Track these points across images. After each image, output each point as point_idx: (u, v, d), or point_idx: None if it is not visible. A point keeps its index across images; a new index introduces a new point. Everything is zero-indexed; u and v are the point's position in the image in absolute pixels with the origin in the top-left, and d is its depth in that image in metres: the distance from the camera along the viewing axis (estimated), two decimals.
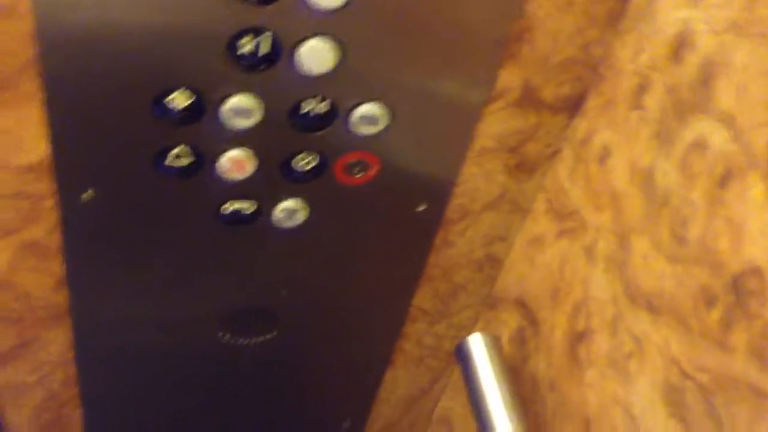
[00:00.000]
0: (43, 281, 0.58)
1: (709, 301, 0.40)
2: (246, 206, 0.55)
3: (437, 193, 0.59)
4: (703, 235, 0.41)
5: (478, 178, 0.58)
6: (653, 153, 0.45)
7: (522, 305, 0.63)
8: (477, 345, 0.56)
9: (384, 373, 0.78)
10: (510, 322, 0.65)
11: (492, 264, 0.67)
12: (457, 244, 0.64)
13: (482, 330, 0.70)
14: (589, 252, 0.52)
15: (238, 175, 0.53)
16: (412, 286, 0.67)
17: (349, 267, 0.64)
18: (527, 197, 0.60)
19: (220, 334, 0.67)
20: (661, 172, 0.44)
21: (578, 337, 0.54)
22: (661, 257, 0.44)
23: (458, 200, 0.60)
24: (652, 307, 0.45)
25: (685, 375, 0.42)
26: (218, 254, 0.60)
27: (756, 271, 0.37)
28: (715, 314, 0.40)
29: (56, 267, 0.57)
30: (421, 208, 0.59)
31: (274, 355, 0.71)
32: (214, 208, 0.55)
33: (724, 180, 0.39)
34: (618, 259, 0.49)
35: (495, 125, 0.54)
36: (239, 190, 0.54)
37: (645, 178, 0.46)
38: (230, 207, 0.55)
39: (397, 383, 0.80)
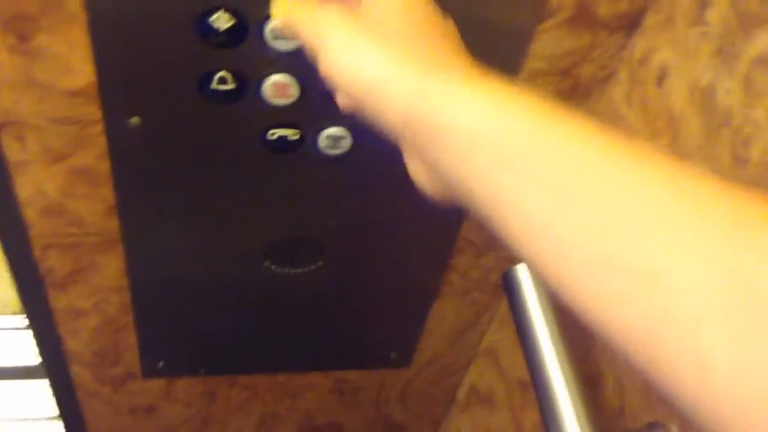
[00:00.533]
0: (96, 207, 0.59)
1: None
2: (291, 132, 0.55)
3: None
4: (766, 155, 0.38)
5: None
6: (714, 71, 0.43)
7: None
8: (524, 274, 0.55)
9: (431, 306, 0.78)
10: None
11: None
12: None
13: None
14: None
15: (282, 100, 0.52)
16: (459, 217, 0.66)
17: (395, 196, 0.63)
18: None
19: (267, 263, 0.68)
20: (723, 91, 0.42)
21: None
22: None
23: None
24: None
25: None
26: (264, 182, 0.60)
27: None
28: None
29: (107, 193, 0.58)
30: None
31: (321, 285, 0.72)
32: (259, 134, 0.55)
33: None
34: None
35: (547, 46, 0.52)
36: (283, 115, 0.54)
37: (705, 98, 0.44)
38: (275, 133, 0.55)
39: (444, 315, 0.80)
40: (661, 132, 0.49)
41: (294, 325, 0.78)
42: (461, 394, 0.93)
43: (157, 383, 0.83)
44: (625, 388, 0.53)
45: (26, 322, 0.71)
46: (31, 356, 0.75)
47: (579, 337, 0.60)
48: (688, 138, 0.45)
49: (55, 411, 0.84)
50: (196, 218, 0.62)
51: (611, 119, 0.54)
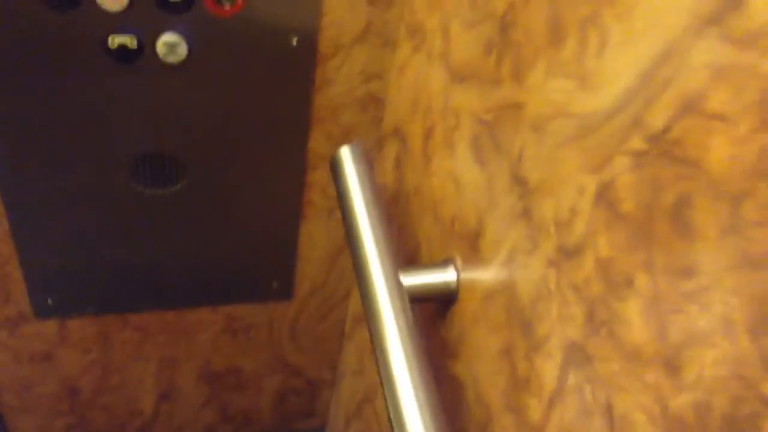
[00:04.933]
0: None
1: (488, 49, 0.46)
2: (129, 40, 0.62)
3: (306, 24, 0.65)
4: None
5: (342, 9, 0.64)
6: None
7: (397, 132, 0.69)
8: (346, 154, 0.62)
9: (298, 228, 0.84)
10: (391, 153, 0.71)
11: (375, 103, 0.73)
12: (337, 82, 0.70)
13: (376, 168, 0.76)
14: (429, 55, 0.59)
15: (115, 6, 0.59)
16: (304, 128, 0.73)
17: (239, 106, 0.70)
18: (392, 28, 0.66)
19: (133, 182, 0.73)
20: None
21: (426, 135, 0.60)
22: (463, 28, 0.50)
23: (328, 33, 0.66)
24: (463, 77, 0.51)
25: (480, 122, 0.48)
26: (115, 94, 0.66)
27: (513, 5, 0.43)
28: (492, 58, 0.46)
29: None
30: (294, 41, 0.65)
31: (188, 207, 0.78)
32: (100, 42, 0.62)
33: None
34: (443, 49, 0.55)
35: None
36: (119, 22, 0.61)
37: None
38: (115, 41, 0.62)
39: (314, 239, 0.86)
40: (434, 8, 0.57)
41: (172, 254, 0.83)
42: (348, 326, 0.99)
43: (50, 325, 0.87)
44: (432, 245, 0.60)
45: None
46: None
47: (404, 216, 0.67)
48: (449, 5, 0.53)
49: None
50: (55, 133, 0.68)
51: (411, 15, 0.63)
